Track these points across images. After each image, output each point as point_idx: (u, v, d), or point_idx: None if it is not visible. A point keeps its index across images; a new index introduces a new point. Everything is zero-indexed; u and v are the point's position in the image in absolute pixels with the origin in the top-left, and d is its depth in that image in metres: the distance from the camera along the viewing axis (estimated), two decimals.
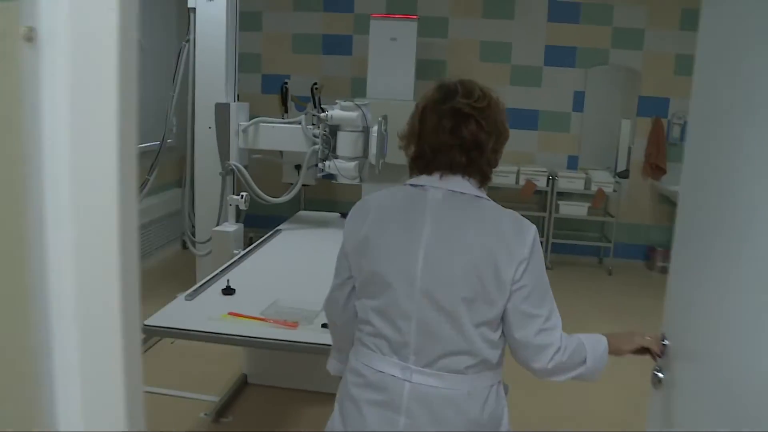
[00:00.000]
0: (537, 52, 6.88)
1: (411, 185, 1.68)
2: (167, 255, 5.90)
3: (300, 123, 4.38)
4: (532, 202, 6.98)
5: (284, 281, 3.28)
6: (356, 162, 4.19)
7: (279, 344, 2.54)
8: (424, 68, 6.63)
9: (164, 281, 5.16)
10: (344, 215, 4.80)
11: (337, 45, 7.00)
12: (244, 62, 7.11)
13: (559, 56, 6.84)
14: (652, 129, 6.86)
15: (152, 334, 2.69)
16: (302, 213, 4.91)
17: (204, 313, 2.76)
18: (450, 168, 1.63)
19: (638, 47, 6.77)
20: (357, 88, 6.57)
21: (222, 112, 4.38)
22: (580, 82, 6.89)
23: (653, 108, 6.85)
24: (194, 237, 4.63)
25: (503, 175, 6.73)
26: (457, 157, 1.61)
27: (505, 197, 6.90)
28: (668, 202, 6.97)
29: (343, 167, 4.18)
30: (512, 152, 6.91)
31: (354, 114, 4.14)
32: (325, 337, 2.51)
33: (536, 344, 1.57)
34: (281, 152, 5.06)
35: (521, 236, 1.58)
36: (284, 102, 6.25)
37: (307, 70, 6.99)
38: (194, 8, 4.40)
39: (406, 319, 1.57)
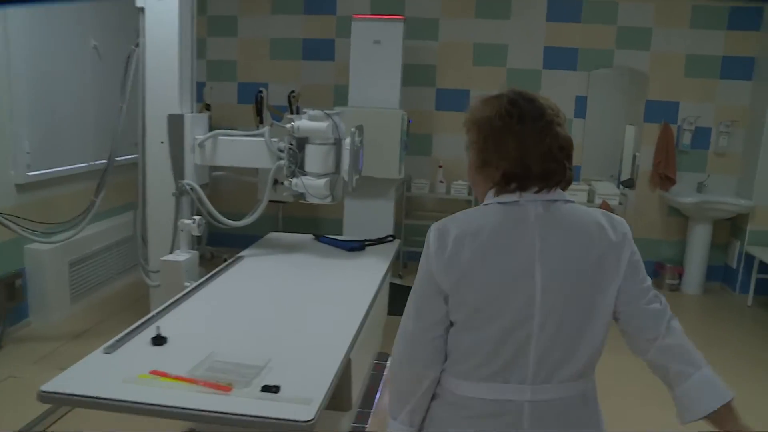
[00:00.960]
0: (535, 54, 6.35)
1: (500, 203, 1.58)
2: (124, 285, 5.37)
3: (263, 136, 3.86)
4: None
5: (228, 326, 2.75)
6: (327, 179, 3.67)
7: (200, 416, 2.01)
8: (411, 74, 6.13)
9: (115, 315, 4.65)
10: (319, 237, 4.36)
11: (318, 50, 6.49)
12: (218, 70, 6.64)
13: (559, 58, 6.31)
14: (660, 135, 6.32)
15: (48, 402, 2.17)
16: (272, 235, 4.38)
17: (123, 370, 2.24)
18: (547, 180, 1.57)
19: (645, 47, 6.23)
20: (340, 96, 6.05)
21: (175, 124, 3.87)
22: (582, 86, 6.35)
23: (661, 113, 6.31)
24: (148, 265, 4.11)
25: None
26: (553, 167, 1.56)
27: None
28: (678, 215, 6.41)
29: (312, 185, 3.66)
30: None
31: (323, 125, 3.62)
32: (261, 406, 2.01)
33: (651, 311, 1.61)
34: (257, 168, 4.55)
35: (616, 226, 1.60)
36: (259, 112, 5.75)
37: (286, 77, 6.47)
38: (143, 8, 3.88)
39: (524, 342, 1.53)
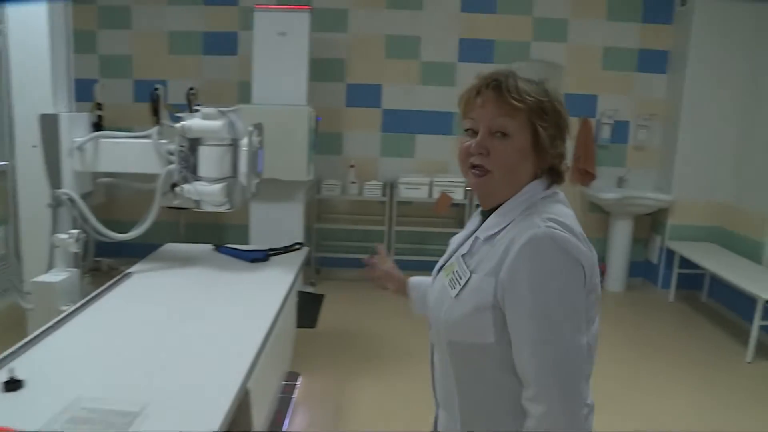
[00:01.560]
0: (450, 46, 6.12)
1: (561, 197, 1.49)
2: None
3: (151, 137, 3.45)
4: (448, 216, 6.22)
5: (103, 361, 2.35)
6: (223, 184, 3.29)
7: None
8: (320, 68, 5.79)
9: None
10: (218, 247, 3.97)
11: (220, 43, 6.07)
12: (111, 66, 6.12)
13: (474, 51, 6.10)
14: (580, 130, 6.20)
15: None
16: (168, 247, 3.96)
17: None
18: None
19: (561, 40, 6.10)
20: (245, 93, 5.65)
21: (49, 125, 3.41)
22: None
23: (580, 107, 6.19)
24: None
25: (414, 187, 5.95)
26: None
27: (417, 212, 6.13)
28: (599, 211, 6.32)
29: (206, 191, 3.28)
30: (424, 161, 6.15)
31: (217, 124, 3.24)
32: None
33: None
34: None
35: None
36: (156, 112, 5.28)
37: (186, 73, 6.02)
38: None
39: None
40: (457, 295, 1.42)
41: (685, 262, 5.79)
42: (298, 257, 3.79)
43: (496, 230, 1.44)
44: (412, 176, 6.05)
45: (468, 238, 1.54)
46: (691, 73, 5.82)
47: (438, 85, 6.15)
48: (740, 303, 5.29)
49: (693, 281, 5.97)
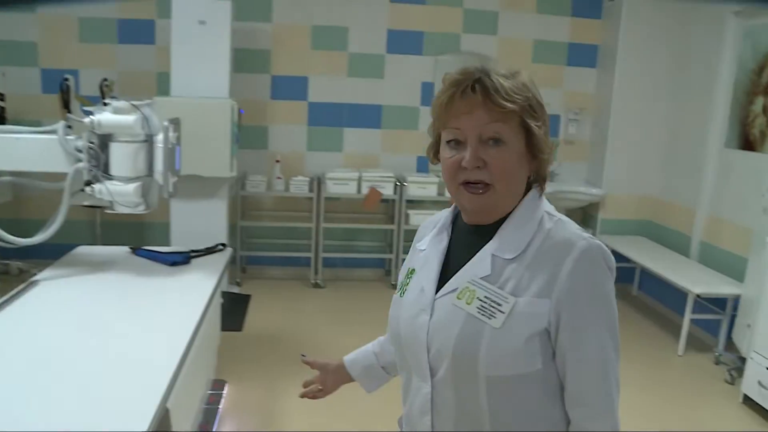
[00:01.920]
0: (378, 37, 5.97)
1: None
2: None
3: (57, 133, 3.17)
4: (378, 212, 6.09)
5: None
6: (137, 183, 3.05)
7: None
8: (243, 59, 5.56)
9: None
10: (135, 249, 3.71)
11: (136, 32, 5.74)
12: (13, 53, 5.70)
13: (403, 42, 5.96)
14: None
15: None
16: (81, 250, 3.67)
17: None
18: None
19: (492, 32, 6.03)
20: (164, 84, 5.34)
21: None
22: (428, 71, 6.05)
23: None
24: None
25: (342, 183, 5.78)
26: None
27: (346, 208, 5.97)
28: None
29: (119, 191, 3.03)
30: (352, 155, 6.00)
31: (130, 118, 3.00)
32: None
33: None
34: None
35: None
36: (66, 104, 4.96)
37: (99, 63, 5.68)
38: None
39: None
40: (503, 324, 1.24)
41: (617, 256, 5.81)
42: (221, 259, 3.58)
43: (522, 247, 1.29)
44: (341, 171, 5.88)
45: (465, 256, 1.36)
46: (621, 68, 5.85)
47: (366, 78, 6.00)
48: (671, 296, 5.35)
49: (624, 275, 6.01)
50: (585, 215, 6.34)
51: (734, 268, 4.78)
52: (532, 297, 1.25)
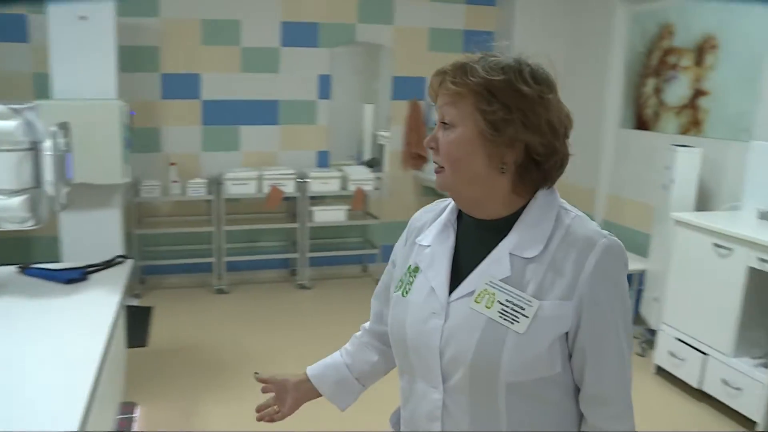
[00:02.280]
0: (272, 30, 5.77)
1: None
2: None
3: None
4: (279, 211, 5.91)
5: None
6: (24, 196, 2.76)
7: None
8: (130, 57, 5.22)
9: None
10: (25, 268, 3.38)
11: (7, 28, 5.28)
12: None
13: (298, 35, 5.79)
14: (410, 113, 6.11)
15: None
16: None
17: None
18: None
19: (388, 21, 5.95)
20: (42, 87, 4.93)
21: None
22: (324, 64, 5.91)
23: (409, 89, 6.10)
24: None
25: (241, 183, 5.56)
26: None
27: (247, 209, 5.77)
28: (433, 194, 6.27)
29: (4, 206, 2.74)
30: (251, 154, 5.79)
31: (10, 124, 2.71)
32: None
33: None
34: None
35: None
36: None
37: None
38: None
39: None
40: (528, 329, 1.18)
41: None
42: (122, 272, 3.31)
43: (541, 247, 1.23)
44: (240, 171, 5.64)
45: (474, 253, 1.29)
46: (517, 54, 5.88)
47: (260, 72, 5.79)
48: None
49: None
50: None
51: (638, 244, 4.91)
52: (557, 300, 1.20)
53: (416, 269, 1.35)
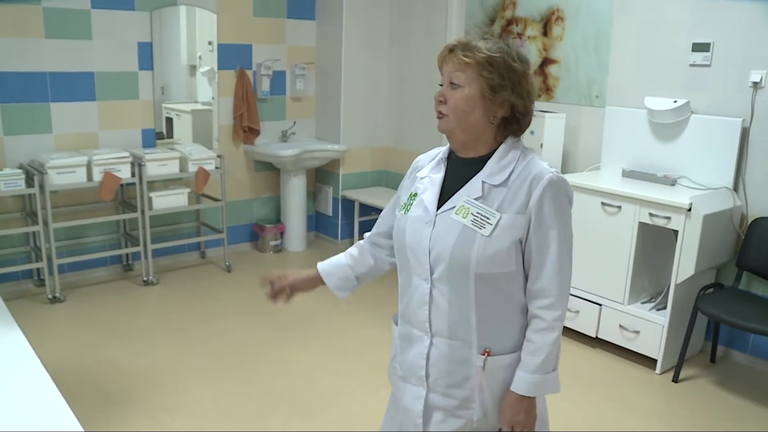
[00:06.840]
0: None
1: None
2: None
3: None
4: (115, 199, 5.18)
5: None
6: None
7: None
8: None
9: None
10: None
11: None
12: None
13: None
14: (238, 83, 5.66)
15: None
16: None
17: None
18: None
19: None
20: None
21: None
22: (144, 30, 5.18)
23: (236, 58, 5.66)
24: None
25: (68, 171, 4.70)
26: None
27: (74, 201, 4.96)
28: (267, 169, 5.96)
29: None
30: (65, 136, 5.01)
31: None
32: None
33: None
34: None
35: None
36: None
37: None
38: None
39: None
40: (491, 234, 1.60)
41: (362, 208, 5.91)
42: None
43: (505, 176, 1.65)
44: (62, 157, 4.68)
45: (458, 182, 1.71)
46: (347, 21, 5.75)
47: (69, 38, 4.86)
48: None
49: (370, 226, 6.09)
50: (321, 173, 6.22)
51: None
52: (514, 213, 1.62)
53: (415, 195, 1.78)
